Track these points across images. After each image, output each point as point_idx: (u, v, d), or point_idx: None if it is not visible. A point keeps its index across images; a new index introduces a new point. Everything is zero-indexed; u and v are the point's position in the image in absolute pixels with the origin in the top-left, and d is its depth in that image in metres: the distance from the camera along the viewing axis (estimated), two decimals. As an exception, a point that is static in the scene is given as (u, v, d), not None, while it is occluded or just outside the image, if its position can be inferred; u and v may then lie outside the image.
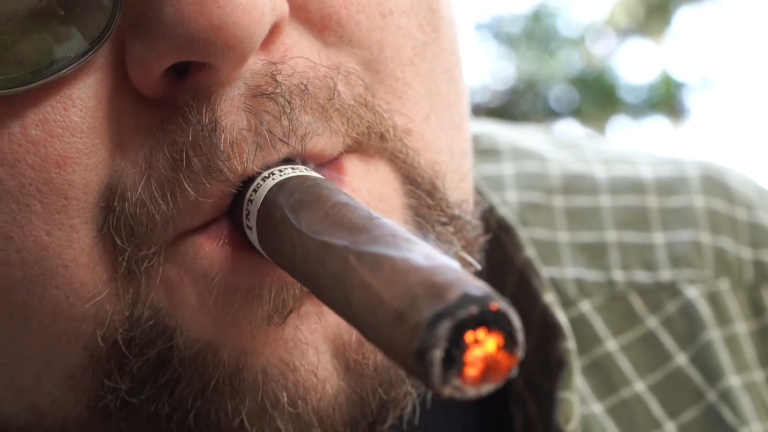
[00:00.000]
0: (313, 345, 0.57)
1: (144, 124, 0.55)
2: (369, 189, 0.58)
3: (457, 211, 0.62)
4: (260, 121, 0.55)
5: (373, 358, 0.58)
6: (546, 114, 4.75)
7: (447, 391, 0.44)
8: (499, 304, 0.44)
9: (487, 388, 0.44)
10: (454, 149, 0.62)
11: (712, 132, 4.81)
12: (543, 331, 0.70)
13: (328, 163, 0.57)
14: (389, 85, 0.59)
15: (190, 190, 0.54)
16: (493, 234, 0.74)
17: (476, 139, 0.82)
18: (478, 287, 0.44)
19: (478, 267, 0.62)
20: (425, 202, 0.60)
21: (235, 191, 0.55)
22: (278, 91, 0.55)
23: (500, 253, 0.74)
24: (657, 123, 4.83)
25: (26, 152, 0.54)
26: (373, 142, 0.58)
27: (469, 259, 0.62)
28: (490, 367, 0.44)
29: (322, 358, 0.58)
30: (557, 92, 4.90)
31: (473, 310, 0.43)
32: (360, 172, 0.58)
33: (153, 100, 0.55)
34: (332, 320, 0.58)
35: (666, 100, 4.81)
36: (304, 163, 0.56)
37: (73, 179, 0.54)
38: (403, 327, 0.44)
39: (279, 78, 0.55)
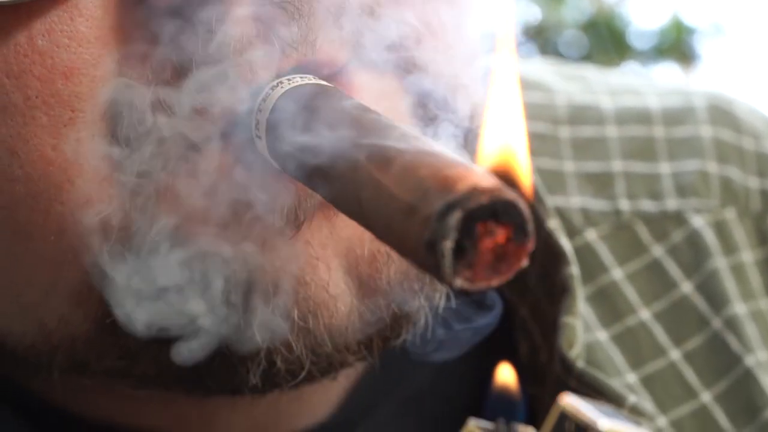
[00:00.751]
0: (324, 260, 0.57)
1: (151, 34, 0.54)
2: (376, 102, 0.57)
3: (468, 121, 0.61)
4: (270, 30, 0.54)
5: (386, 272, 0.59)
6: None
7: (458, 283, 0.44)
8: (509, 195, 0.44)
9: (497, 281, 0.45)
10: (466, 58, 0.62)
11: (722, 78, 4.78)
12: (547, 258, 0.70)
13: (337, 75, 0.57)
14: None
15: (197, 98, 0.54)
16: None
17: None
18: (488, 179, 0.45)
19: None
20: (435, 114, 0.60)
21: (243, 99, 0.54)
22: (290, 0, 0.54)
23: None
24: (667, 69, 4.80)
25: (32, 63, 0.53)
26: (379, 53, 0.58)
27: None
28: (500, 258, 0.45)
29: (333, 274, 0.58)
30: (567, 38, 4.88)
31: (483, 200, 0.44)
32: (374, 89, 0.58)
33: (161, 9, 0.54)
34: (344, 235, 0.58)
35: (677, 46, 4.78)
36: (314, 70, 0.56)
37: (80, 91, 0.54)
38: (414, 219, 0.45)
39: None
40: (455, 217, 0.44)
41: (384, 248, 0.58)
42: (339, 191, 0.50)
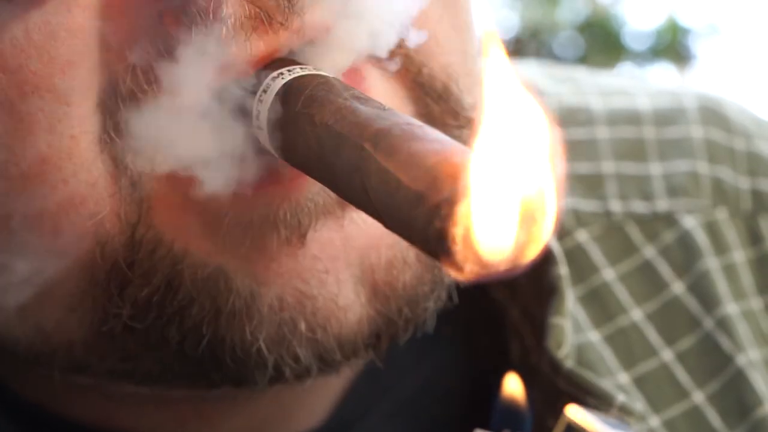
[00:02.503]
0: (334, 273, 0.57)
1: (142, 19, 0.53)
2: (376, 93, 0.57)
3: (472, 114, 0.61)
4: (260, 9, 0.53)
5: (402, 278, 0.58)
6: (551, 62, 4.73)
7: (469, 269, 0.44)
8: None
9: (507, 270, 0.45)
10: (467, 51, 0.62)
11: (718, 79, 4.78)
12: (535, 259, 0.70)
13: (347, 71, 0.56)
14: None
15: (194, 85, 0.53)
16: None
17: None
18: None
19: None
20: (436, 109, 0.60)
21: (243, 88, 0.54)
22: None
23: None
24: (663, 70, 4.80)
25: (29, 58, 0.52)
26: (376, 46, 0.57)
27: None
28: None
29: (343, 286, 0.57)
30: (562, 40, 4.88)
31: None
32: (377, 78, 0.58)
33: None
34: (358, 244, 0.57)
35: (672, 46, 4.78)
36: (305, 45, 0.55)
37: (76, 84, 0.53)
38: (424, 208, 0.45)
39: None
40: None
41: (401, 254, 0.58)
42: (345, 181, 0.50)
